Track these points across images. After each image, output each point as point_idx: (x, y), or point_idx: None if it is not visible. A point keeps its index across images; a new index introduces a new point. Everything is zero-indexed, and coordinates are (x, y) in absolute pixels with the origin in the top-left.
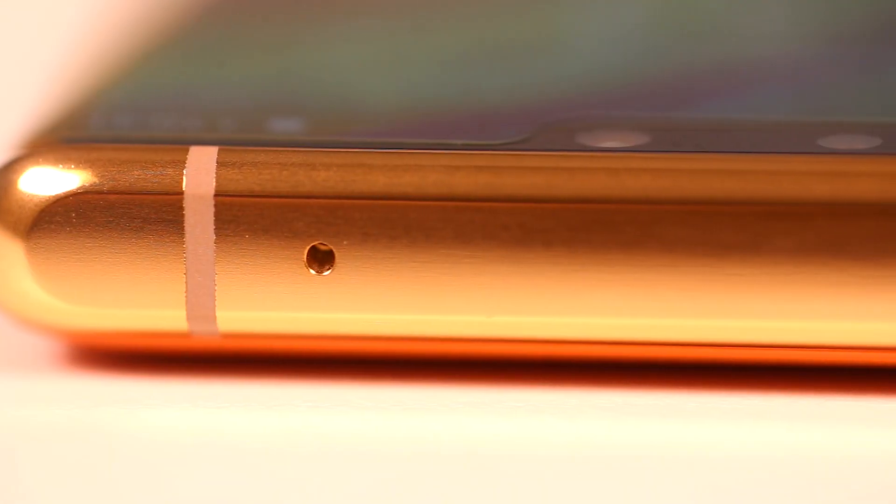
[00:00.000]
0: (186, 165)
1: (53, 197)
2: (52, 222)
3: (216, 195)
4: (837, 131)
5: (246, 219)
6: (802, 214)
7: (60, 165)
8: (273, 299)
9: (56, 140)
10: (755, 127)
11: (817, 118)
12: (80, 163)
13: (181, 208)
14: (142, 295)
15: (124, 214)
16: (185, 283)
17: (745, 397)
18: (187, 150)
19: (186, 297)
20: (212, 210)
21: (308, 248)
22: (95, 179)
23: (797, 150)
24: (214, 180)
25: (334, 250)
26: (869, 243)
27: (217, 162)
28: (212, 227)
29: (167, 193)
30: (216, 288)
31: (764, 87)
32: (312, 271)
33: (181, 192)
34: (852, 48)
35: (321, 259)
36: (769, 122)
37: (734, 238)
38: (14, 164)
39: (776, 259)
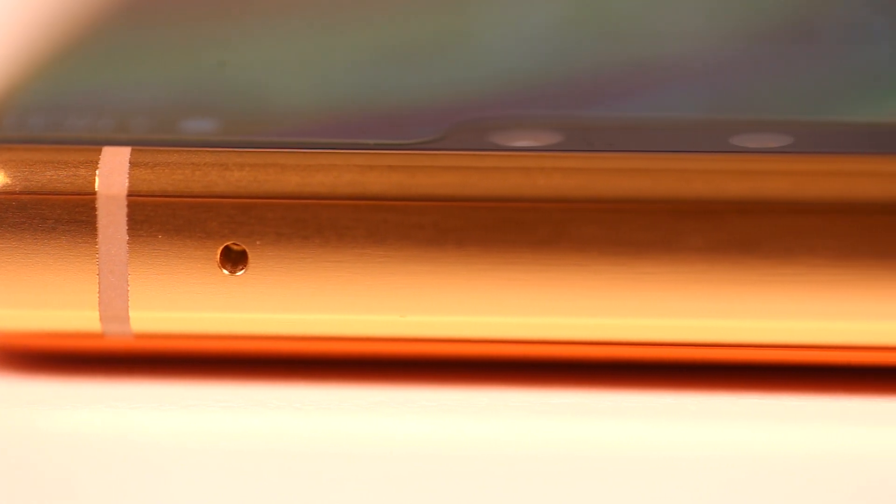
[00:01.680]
0: (99, 166)
1: None
2: None
3: (129, 195)
4: (749, 129)
5: (159, 219)
6: (714, 213)
7: None
8: (186, 300)
9: None
10: (667, 125)
11: (729, 116)
12: None
13: (94, 209)
14: (54, 296)
15: (37, 215)
16: (98, 283)
17: (659, 396)
18: (100, 151)
19: (99, 297)
20: (124, 210)
21: (221, 248)
22: (8, 180)
23: (709, 148)
24: (127, 181)
25: (247, 250)
26: (780, 241)
27: (130, 162)
28: (124, 227)
29: (80, 194)
30: (129, 288)
31: (676, 86)
32: (225, 271)
33: (94, 193)
34: (763, 46)
35: (234, 259)
36: (681, 121)
37: (646, 237)
38: None
39: (688, 257)
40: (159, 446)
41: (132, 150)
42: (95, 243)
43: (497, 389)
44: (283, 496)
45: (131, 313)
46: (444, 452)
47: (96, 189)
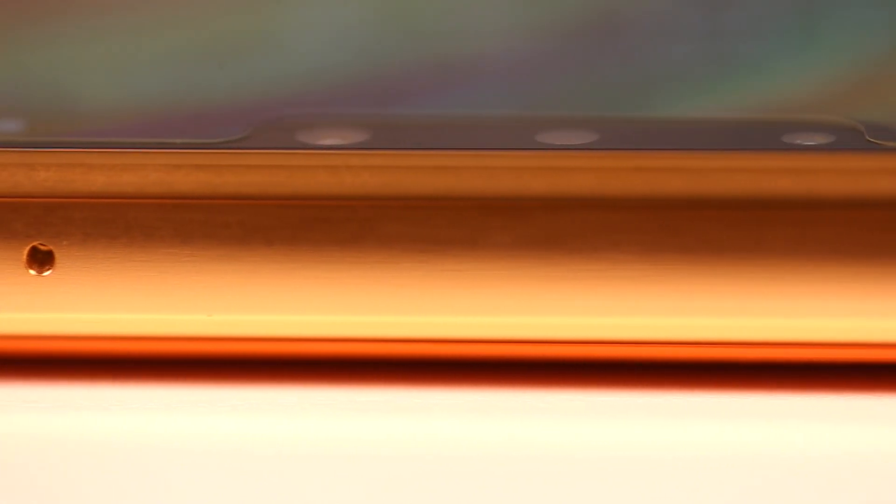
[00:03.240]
0: None
1: None
2: None
3: None
4: (554, 126)
5: None
6: (520, 209)
7: None
8: None
9: None
10: (473, 123)
11: (534, 113)
12: None
13: None
14: None
15: None
16: None
17: (467, 393)
18: None
19: None
20: None
21: (28, 248)
22: None
23: (515, 145)
24: None
25: (54, 251)
26: (585, 238)
27: None
28: None
29: None
30: None
31: (482, 83)
32: (32, 272)
33: None
34: (568, 43)
35: (41, 259)
36: (487, 118)
37: (452, 234)
38: None
39: (493, 254)
40: None
41: None
42: None
43: (303, 388)
44: (98, 494)
45: None
46: (255, 451)
47: None
